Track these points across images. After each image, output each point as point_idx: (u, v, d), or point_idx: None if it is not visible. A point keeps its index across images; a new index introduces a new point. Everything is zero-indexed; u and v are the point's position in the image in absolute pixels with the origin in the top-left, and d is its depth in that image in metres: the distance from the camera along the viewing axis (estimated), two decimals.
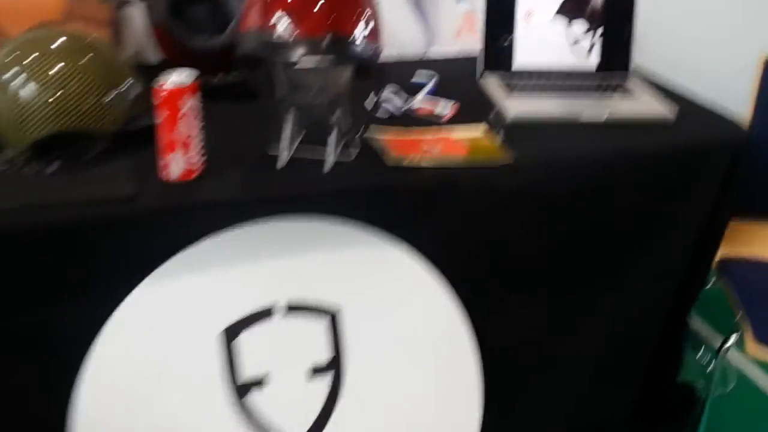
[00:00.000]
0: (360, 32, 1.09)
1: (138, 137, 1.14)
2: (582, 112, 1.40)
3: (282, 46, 1.05)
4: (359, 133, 1.22)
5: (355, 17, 1.08)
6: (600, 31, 1.59)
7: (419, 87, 1.52)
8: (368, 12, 1.11)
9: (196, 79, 1.06)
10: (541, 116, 1.39)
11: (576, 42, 1.60)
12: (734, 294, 1.54)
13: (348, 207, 1.17)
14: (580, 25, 1.59)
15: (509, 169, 1.24)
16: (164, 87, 1.04)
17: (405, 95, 1.46)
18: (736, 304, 1.53)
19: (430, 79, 1.56)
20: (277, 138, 1.20)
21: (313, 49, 1.04)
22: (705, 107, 1.51)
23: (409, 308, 1.31)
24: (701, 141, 1.39)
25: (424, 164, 1.20)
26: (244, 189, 1.14)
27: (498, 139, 1.30)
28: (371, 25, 1.11)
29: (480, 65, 1.59)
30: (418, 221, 1.22)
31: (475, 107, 1.45)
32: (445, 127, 1.35)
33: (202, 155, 1.12)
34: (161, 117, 1.05)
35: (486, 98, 1.50)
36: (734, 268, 1.61)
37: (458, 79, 1.62)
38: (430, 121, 1.40)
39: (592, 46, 1.60)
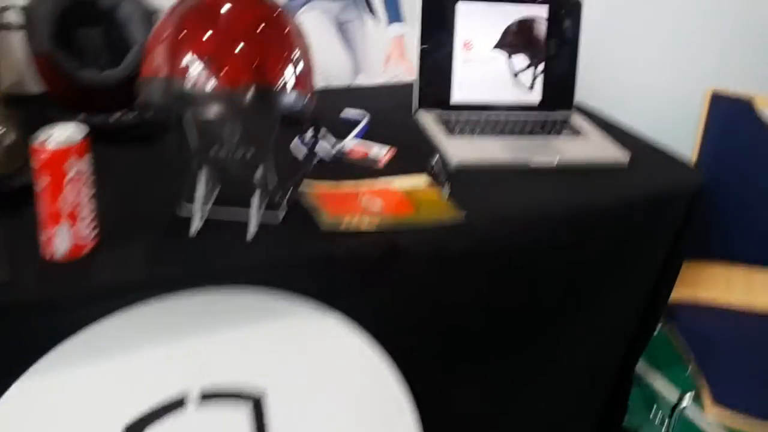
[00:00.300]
0: (288, 78, 0.91)
1: (12, 201, 0.92)
2: (531, 157, 1.28)
3: (195, 99, 0.86)
4: (288, 192, 1.04)
5: (282, 61, 0.90)
6: (542, 66, 1.48)
7: (349, 125, 1.36)
8: (297, 53, 0.93)
9: (87, 135, 0.86)
10: (487, 163, 1.26)
11: (517, 77, 1.47)
12: (683, 342, 1.46)
13: (275, 278, 0.99)
14: (521, 59, 1.47)
15: (460, 229, 1.09)
16: (45, 147, 0.83)
17: (333, 140, 1.29)
18: (686, 353, 1.44)
19: (362, 118, 1.39)
20: (189, 197, 1.00)
21: (233, 103, 0.85)
22: (655, 148, 1.42)
23: (345, 388, 1.13)
24: (658, 188, 1.29)
25: (364, 228, 1.04)
26: (149, 265, 0.93)
27: (444, 193, 1.16)
28: (300, 68, 0.94)
29: (415, 101, 1.45)
30: (357, 291, 1.05)
31: (413, 150, 1.30)
32: (383, 177, 1.19)
33: (94, 226, 0.91)
34: (42, 184, 0.84)
35: (424, 138, 1.35)
36: (681, 313, 1.53)
37: (391, 114, 1.47)
38: (364, 167, 1.23)
39: (533, 82, 1.48)
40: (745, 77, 1.74)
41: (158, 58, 0.87)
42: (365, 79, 1.65)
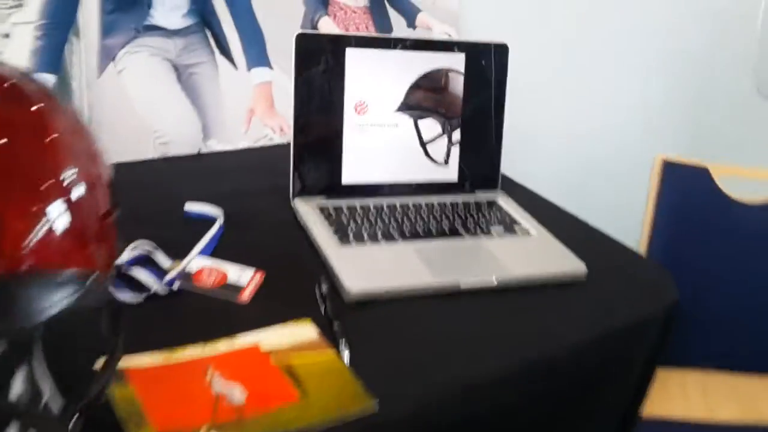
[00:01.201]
0: (45, 246, 0.47)
1: None
2: (460, 277, 0.90)
3: None
4: (77, 410, 0.60)
5: (27, 216, 0.46)
6: (458, 132, 1.11)
7: (194, 228, 0.93)
8: (70, 175, 0.50)
9: None
10: (401, 290, 0.87)
11: (427, 147, 1.10)
12: None
13: None
14: (431, 125, 1.10)
15: (376, 422, 0.69)
16: None
17: (167, 261, 0.86)
18: None
19: (213, 216, 0.97)
20: None
21: None
22: (610, 240, 1.09)
23: None
24: (629, 308, 0.95)
25: None
26: None
27: (343, 355, 0.75)
28: (73, 214, 0.50)
29: (293, 185, 1.03)
30: None
31: (291, 270, 0.90)
32: (243, 334, 0.77)
33: None
34: None
35: (306, 246, 0.95)
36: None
37: (258, 204, 1.05)
38: (217, 304, 0.81)
39: (448, 153, 1.11)
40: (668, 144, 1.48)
41: None
42: (219, 145, 1.22)
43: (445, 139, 1.11)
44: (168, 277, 0.83)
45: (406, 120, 1.08)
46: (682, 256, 1.27)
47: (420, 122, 1.09)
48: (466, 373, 0.77)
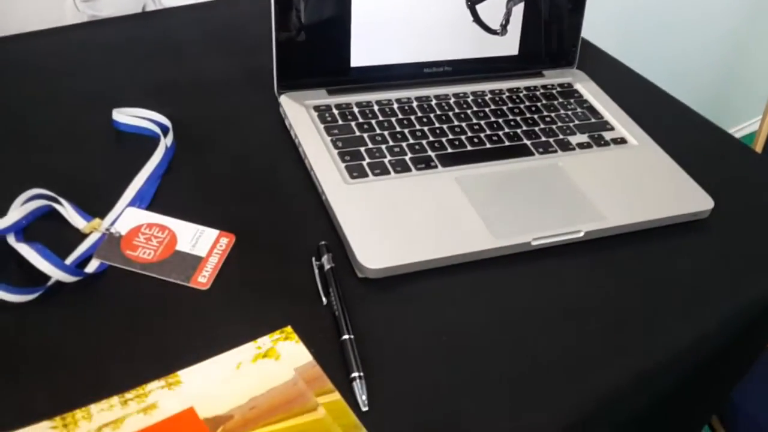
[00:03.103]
0: None
1: None
2: (530, 232, 0.59)
3: None
4: None
5: None
6: None
7: (127, 143, 0.61)
8: None
9: None
10: (444, 260, 0.57)
11: (476, 6, 0.74)
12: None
13: None
14: None
15: None
16: None
17: (79, 219, 0.55)
18: None
19: (157, 132, 0.64)
20: None
21: None
22: (740, 144, 0.76)
23: None
24: None
25: None
26: None
27: (359, 399, 0.47)
28: None
29: (278, 73, 0.69)
30: None
31: (275, 226, 0.59)
32: (179, 370, 0.48)
33: None
34: None
35: (298, 179, 0.63)
36: None
37: (225, 99, 0.72)
38: (162, 287, 0.52)
39: (507, 20, 0.75)
40: None
41: None
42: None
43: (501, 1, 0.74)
44: (77, 253, 0.53)
45: None
46: None
47: None
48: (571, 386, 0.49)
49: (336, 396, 0.46)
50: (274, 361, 0.48)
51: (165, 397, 0.45)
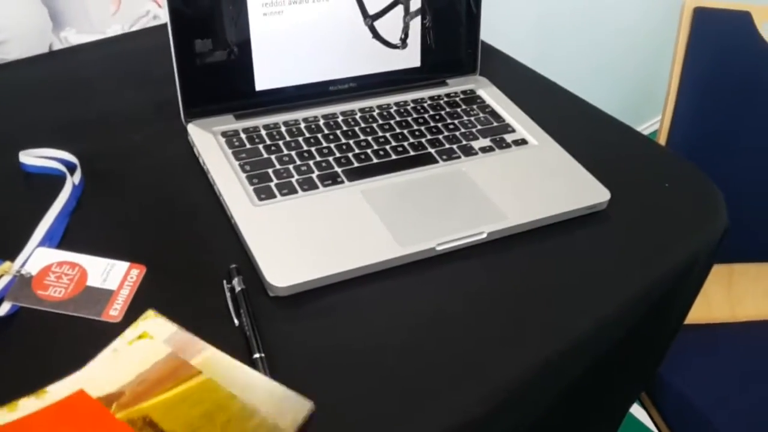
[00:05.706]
0: None
1: None
2: (434, 238, 0.62)
3: None
4: None
5: None
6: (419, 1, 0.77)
7: (36, 183, 0.61)
8: None
9: None
10: (352, 272, 0.59)
11: (375, 23, 0.76)
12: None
13: None
14: None
15: None
16: None
17: None
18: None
19: (63, 171, 0.65)
20: None
21: None
22: (636, 133, 0.80)
23: None
24: (676, 244, 0.68)
25: None
26: None
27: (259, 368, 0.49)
28: None
29: (183, 101, 0.70)
30: None
31: (186, 255, 0.60)
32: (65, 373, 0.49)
33: None
34: None
35: (208, 204, 0.64)
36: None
37: (134, 132, 0.73)
38: (75, 323, 0.52)
39: (406, 28, 0.78)
40: None
41: None
42: (78, 35, 0.87)
43: (400, 10, 0.77)
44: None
45: None
46: (713, 129, 0.99)
47: None
48: (478, 388, 0.51)
49: (210, 351, 0.51)
50: (148, 341, 0.52)
51: (54, 387, 0.48)
